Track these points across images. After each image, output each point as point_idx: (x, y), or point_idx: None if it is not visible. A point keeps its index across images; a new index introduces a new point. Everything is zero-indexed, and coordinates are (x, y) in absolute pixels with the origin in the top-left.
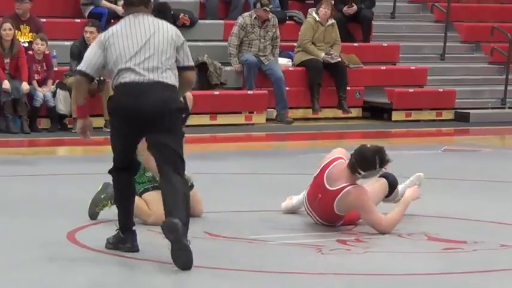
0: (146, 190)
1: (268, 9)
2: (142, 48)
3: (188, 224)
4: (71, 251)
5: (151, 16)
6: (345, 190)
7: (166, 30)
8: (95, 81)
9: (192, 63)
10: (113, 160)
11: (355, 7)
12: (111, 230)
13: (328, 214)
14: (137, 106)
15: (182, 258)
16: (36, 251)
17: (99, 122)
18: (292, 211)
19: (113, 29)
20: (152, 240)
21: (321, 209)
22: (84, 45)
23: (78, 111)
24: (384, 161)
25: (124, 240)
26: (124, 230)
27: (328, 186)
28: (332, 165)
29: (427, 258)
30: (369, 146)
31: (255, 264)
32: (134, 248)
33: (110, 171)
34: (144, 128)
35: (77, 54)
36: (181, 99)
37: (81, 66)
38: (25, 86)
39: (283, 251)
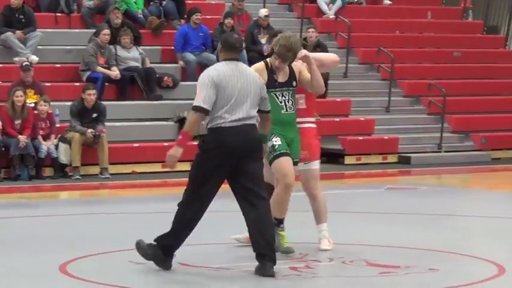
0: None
1: None
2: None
3: None
4: (62, 283)
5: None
6: None
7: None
8: (92, 135)
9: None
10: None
11: None
12: (98, 263)
13: None
14: None
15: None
16: (29, 282)
17: (94, 170)
18: None
19: (220, 71)
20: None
21: None
22: (82, 105)
23: (185, 139)
24: None
25: (164, 260)
26: (168, 254)
27: None
28: None
29: (365, 281)
30: None
31: None
32: (170, 267)
33: (178, 204)
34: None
35: (76, 113)
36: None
37: (199, 103)
38: (21, 138)
39: (243, 277)
